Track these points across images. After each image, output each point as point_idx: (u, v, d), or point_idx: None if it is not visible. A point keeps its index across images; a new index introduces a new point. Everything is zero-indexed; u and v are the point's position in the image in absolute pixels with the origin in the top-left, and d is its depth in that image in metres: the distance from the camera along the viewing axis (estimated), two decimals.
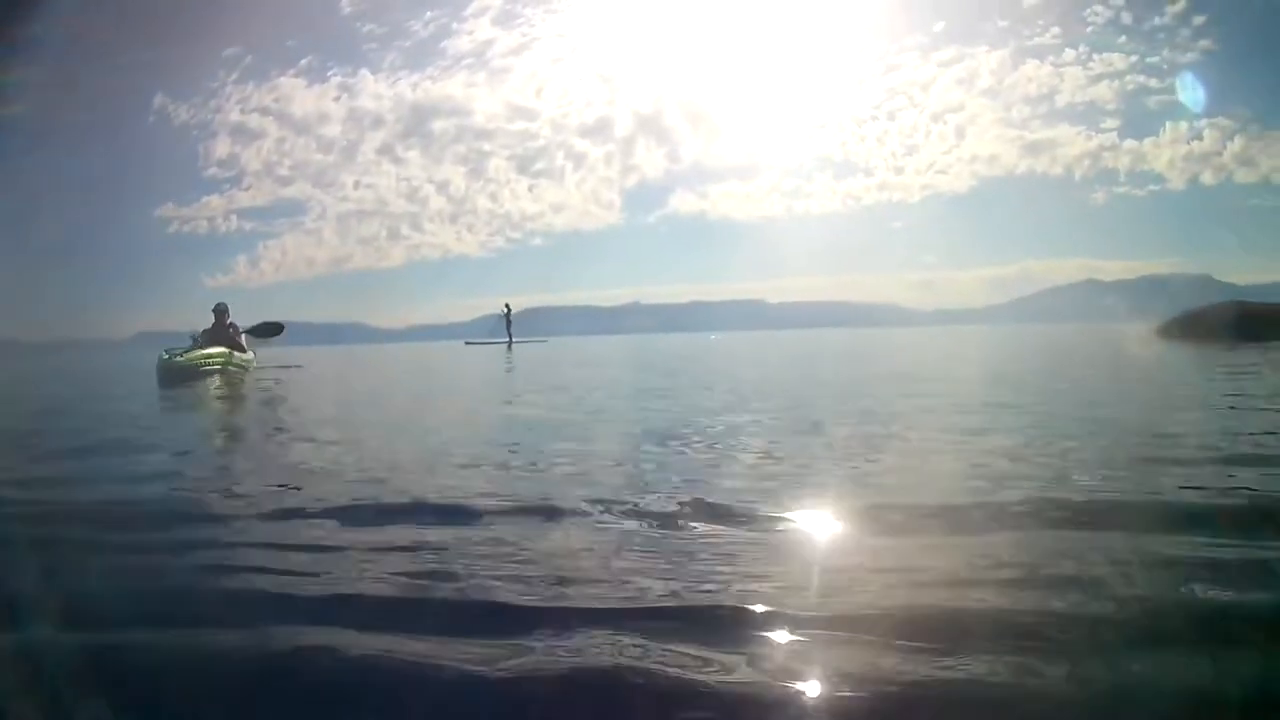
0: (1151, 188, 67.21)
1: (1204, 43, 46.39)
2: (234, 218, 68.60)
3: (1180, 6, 52.57)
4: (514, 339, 26.43)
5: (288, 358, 17.28)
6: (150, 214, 59.12)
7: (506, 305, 26.94)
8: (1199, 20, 48.74)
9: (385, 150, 77.33)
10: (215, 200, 65.95)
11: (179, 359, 12.70)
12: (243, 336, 14.50)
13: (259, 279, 76.33)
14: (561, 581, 2.03)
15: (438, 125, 74.66)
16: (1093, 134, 67.06)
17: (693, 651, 1.59)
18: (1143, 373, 10.61)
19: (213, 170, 64.65)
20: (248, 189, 69.35)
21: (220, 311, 14.48)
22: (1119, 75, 57.46)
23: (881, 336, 34.82)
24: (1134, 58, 55.48)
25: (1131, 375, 10.34)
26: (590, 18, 71.90)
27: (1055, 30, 58.41)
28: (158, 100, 48.34)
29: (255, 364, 14.64)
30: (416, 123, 74.08)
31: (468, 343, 30.45)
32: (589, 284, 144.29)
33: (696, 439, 4.60)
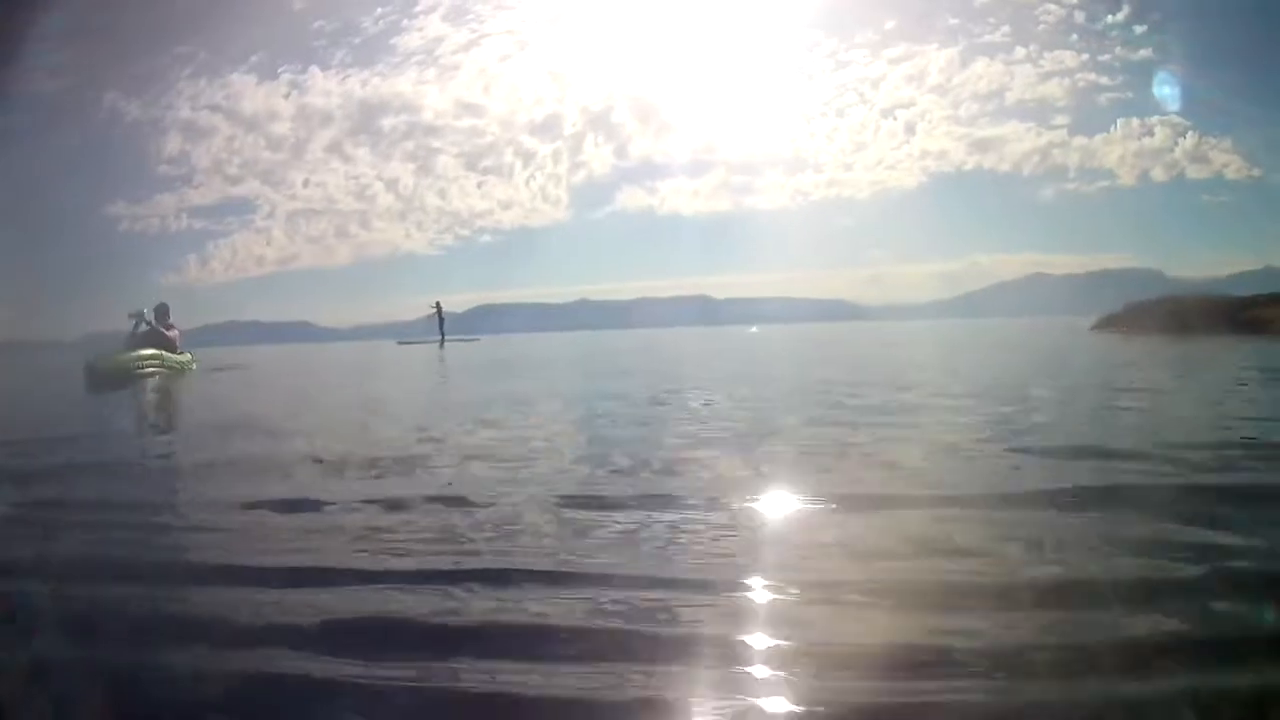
0: (1102, 184, 68.08)
1: (1158, 39, 46.83)
2: (184, 216, 65.68)
3: (1133, 5, 53.16)
4: (446, 337, 25.44)
5: (232, 358, 17.45)
6: (101, 212, 56.17)
7: (437, 303, 26.16)
8: (1153, 18, 49.21)
9: (334, 148, 74.95)
10: (166, 198, 63.01)
11: (106, 362, 11.84)
12: (175, 333, 13.69)
13: (209, 278, 73.56)
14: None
15: (387, 122, 72.44)
16: (1043, 130, 67.74)
17: None
18: (1047, 363, 10.57)
19: (163, 168, 61.71)
20: (198, 187, 66.51)
21: (161, 312, 13.73)
22: (1070, 73, 57.87)
23: (825, 331, 34.93)
24: (1085, 56, 55.87)
25: (1028, 364, 10.35)
26: (540, 15, 70.50)
27: (1006, 28, 58.65)
28: (109, 97, 45.66)
29: (193, 365, 13.85)
30: (365, 120, 71.90)
31: (400, 342, 29.10)
32: (538, 281, 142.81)
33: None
